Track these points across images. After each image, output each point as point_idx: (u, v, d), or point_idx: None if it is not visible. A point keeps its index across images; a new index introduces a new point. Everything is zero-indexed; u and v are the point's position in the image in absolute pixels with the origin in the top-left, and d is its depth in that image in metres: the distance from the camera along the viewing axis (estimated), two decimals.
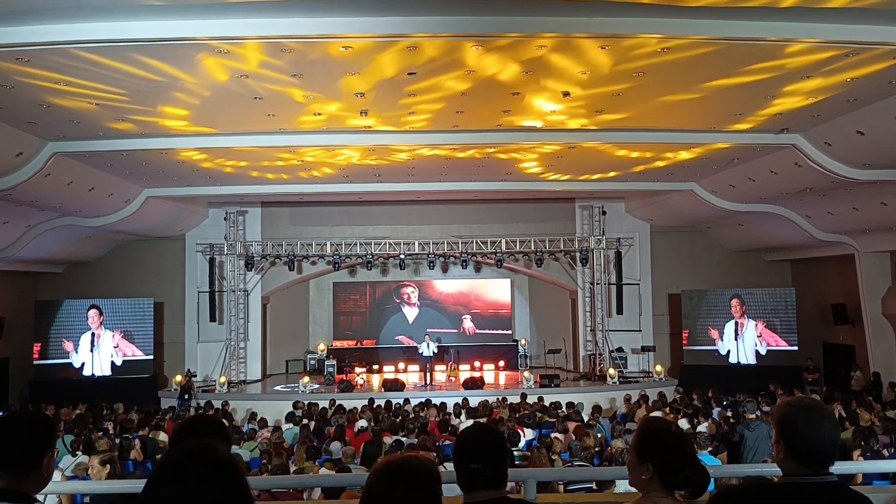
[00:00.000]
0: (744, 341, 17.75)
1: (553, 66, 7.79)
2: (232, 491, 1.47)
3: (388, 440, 9.23)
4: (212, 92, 8.38)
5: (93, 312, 17.31)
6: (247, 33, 6.60)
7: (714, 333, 17.98)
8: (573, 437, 9.24)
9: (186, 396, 15.83)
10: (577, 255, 18.63)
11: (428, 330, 19.66)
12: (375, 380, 18.69)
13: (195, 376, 17.41)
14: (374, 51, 7.18)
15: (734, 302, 17.90)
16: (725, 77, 8.12)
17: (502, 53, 7.35)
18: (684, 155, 12.37)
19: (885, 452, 8.04)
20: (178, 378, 16.97)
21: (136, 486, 3.36)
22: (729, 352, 17.86)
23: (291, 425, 11.54)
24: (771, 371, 16.71)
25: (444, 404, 13.09)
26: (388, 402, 13.68)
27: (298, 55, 7.18)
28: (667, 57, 7.39)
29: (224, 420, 11.96)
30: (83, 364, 17.10)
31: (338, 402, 13.79)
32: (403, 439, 9.21)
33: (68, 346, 17.04)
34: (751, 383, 15.18)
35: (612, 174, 14.29)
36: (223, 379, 17.19)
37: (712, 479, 4.46)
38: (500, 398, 14.19)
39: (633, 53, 7.34)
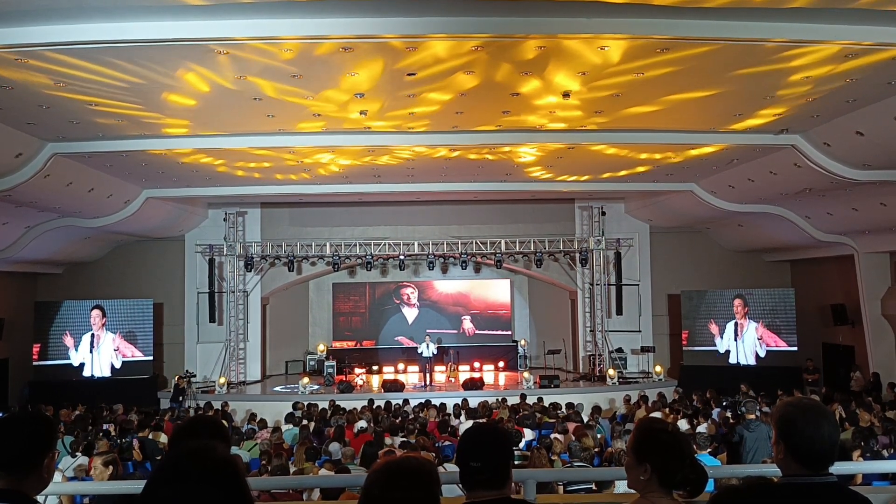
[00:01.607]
0: (744, 342, 17.76)
1: (552, 67, 7.80)
2: (231, 491, 1.46)
3: (388, 441, 9.22)
4: (211, 93, 8.38)
5: (96, 313, 17.31)
6: (246, 34, 6.60)
7: (714, 328, 17.98)
8: (573, 438, 9.23)
9: (181, 398, 15.80)
10: (577, 255, 18.64)
11: (427, 331, 19.66)
12: (375, 380, 18.70)
13: (194, 376, 17.39)
14: (374, 51, 7.18)
15: (737, 302, 17.89)
16: (725, 78, 8.12)
17: (502, 54, 7.35)
18: (687, 154, 12.38)
19: (885, 453, 8.04)
20: (177, 379, 16.99)
21: (136, 486, 3.35)
22: (728, 351, 17.87)
23: (291, 426, 11.54)
24: (770, 372, 16.73)
25: (443, 405, 13.10)
26: (388, 403, 13.68)
27: (298, 56, 7.19)
28: (667, 58, 7.40)
29: (224, 421, 11.96)
30: (82, 364, 17.10)
31: (337, 403, 13.80)
32: (403, 440, 9.21)
33: (68, 341, 17.03)
34: (750, 384, 15.16)
35: (611, 174, 14.30)
36: (223, 380, 17.19)
37: (712, 480, 4.45)
38: (500, 399, 14.19)
39: (633, 54, 7.34)
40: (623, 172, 13.89)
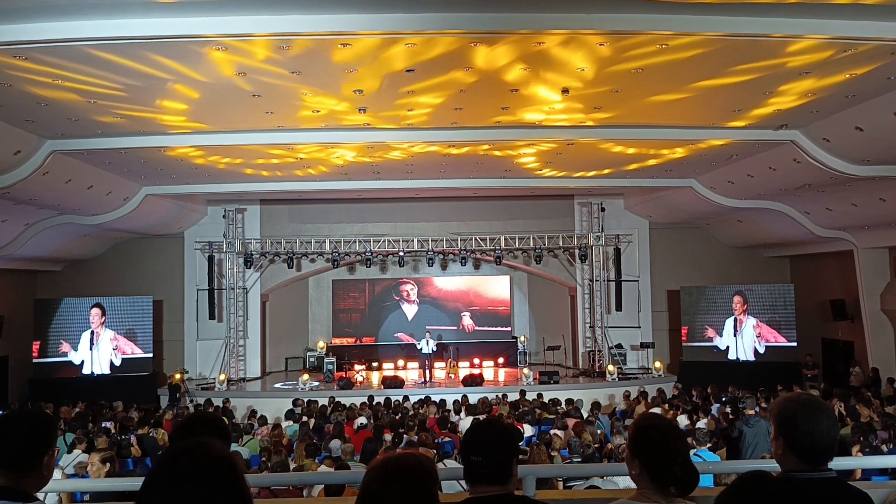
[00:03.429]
0: (742, 338, 17.76)
1: (552, 63, 7.79)
2: (227, 489, 1.46)
3: (388, 437, 9.24)
4: (210, 89, 8.37)
5: (95, 311, 17.28)
6: (245, 30, 6.59)
7: (711, 332, 17.98)
8: (572, 434, 9.25)
9: (177, 396, 15.80)
10: (577, 251, 18.65)
11: (427, 327, 19.67)
12: (375, 377, 18.69)
13: (186, 372, 17.38)
14: (373, 48, 7.17)
15: (736, 298, 17.88)
16: (724, 74, 8.11)
17: (500, 50, 7.34)
18: (682, 151, 12.37)
19: (884, 448, 8.05)
20: (178, 376, 17.04)
21: (135, 484, 3.35)
22: (728, 347, 17.87)
23: (291, 423, 11.55)
24: (770, 367, 16.73)
25: (443, 401, 13.11)
26: (388, 400, 13.70)
27: (297, 52, 7.18)
28: (665, 54, 7.39)
29: (224, 418, 11.96)
30: (83, 362, 17.09)
31: (337, 400, 13.81)
32: (403, 436, 9.23)
33: (66, 347, 17.01)
34: (750, 380, 15.17)
35: (610, 171, 14.29)
36: (223, 377, 17.18)
37: (711, 475, 4.46)
38: (500, 395, 14.20)
39: (632, 50, 7.33)
40: (637, 165, 13.80)
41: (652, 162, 13.29)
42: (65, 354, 16.99)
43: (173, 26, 6.47)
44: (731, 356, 17.77)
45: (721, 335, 17.93)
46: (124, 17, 6.32)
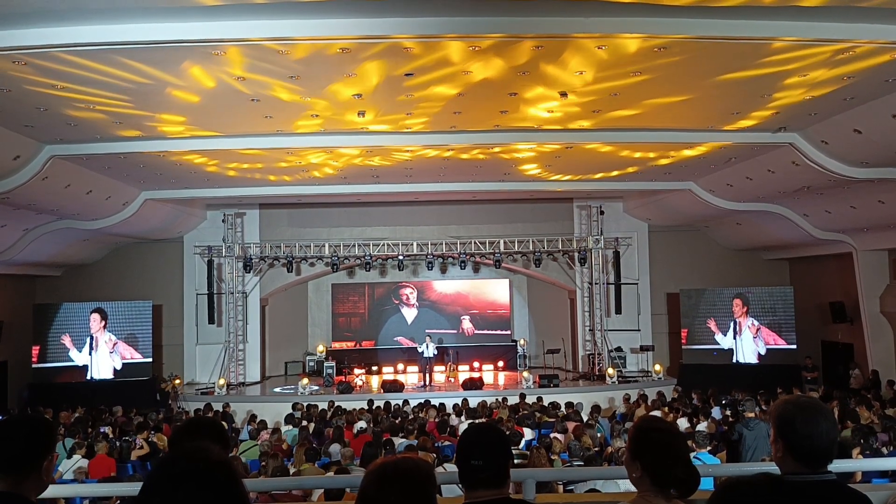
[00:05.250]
0: (742, 340, 17.75)
1: (550, 67, 7.80)
2: (225, 491, 1.46)
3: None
4: (209, 94, 8.38)
5: (95, 315, 17.24)
6: (244, 35, 6.60)
7: (712, 325, 17.94)
8: (572, 437, 9.23)
9: (168, 400, 15.74)
10: (576, 254, 18.64)
11: (427, 331, 19.64)
12: (374, 381, 18.68)
13: (175, 378, 17.36)
14: (372, 52, 7.18)
15: (736, 301, 17.87)
16: (722, 76, 8.12)
17: (500, 54, 7.35)
18: (684, 153, 12.37)
19: (884, 450, 8.04)
20: (178, 381, 16.99)
21: (134, 488, 3.35)
22: (732, 350, 17.83)
23: (291, 427, 11.53)
24: (770, 370, 16.72)
25: (443, 405, 13.10)
26: (388, 404, 13.67)
27: (296, 57, 7.18)
28: (664, 56, 7.40)
29: (223, 422, 11.94)
30: (86, 366, 17.04)
31: (337, 404, 13.79)
32: (403, 440, 9.22)
33: (67, 341, 16.91)
34: (749, 382, 15.17)
35: (610, 174, 14.30)
36: (222, 381, 17.16)
37: (711, 478, 4.45)
38: (500, 398, 14.19)
39: (630, 53, 7.34)
40: (620, 172, 13.90)
41: (651, 164, 13.29)
42: (66, 357, 16.89)
43: (173, 31, 6.47)
44: (734, 358, 17.73)
45: (725, 335, 17.90)
46: (123, 23, 6.33)
